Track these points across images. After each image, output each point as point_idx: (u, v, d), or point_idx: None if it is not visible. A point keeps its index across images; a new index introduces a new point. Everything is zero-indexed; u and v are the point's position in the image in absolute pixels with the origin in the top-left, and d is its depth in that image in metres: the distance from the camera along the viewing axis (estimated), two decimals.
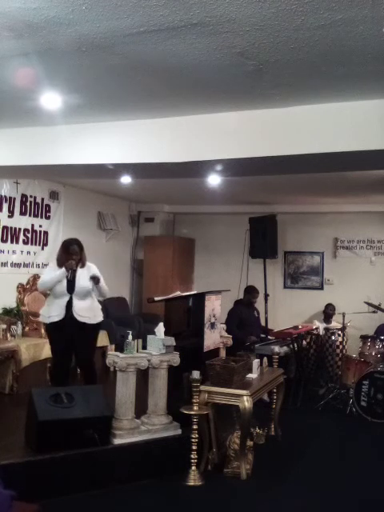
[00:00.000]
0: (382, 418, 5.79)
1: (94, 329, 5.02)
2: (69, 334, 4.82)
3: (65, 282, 4.82)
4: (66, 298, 4.82)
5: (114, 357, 4.28)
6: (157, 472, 4.13)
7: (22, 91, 3.67)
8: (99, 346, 7.00)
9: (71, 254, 4.89)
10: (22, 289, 6.93)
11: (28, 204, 7.12)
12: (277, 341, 6.86)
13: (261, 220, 8.66)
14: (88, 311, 4.89)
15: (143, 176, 5.79)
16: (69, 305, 4.81)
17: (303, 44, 2.81)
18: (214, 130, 4.12)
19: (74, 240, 5.02)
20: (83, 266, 4.94)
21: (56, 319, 4.81)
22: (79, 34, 2.78)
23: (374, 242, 8.90)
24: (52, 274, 4.88)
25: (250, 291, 7.62)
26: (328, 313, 8.13)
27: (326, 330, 7.06)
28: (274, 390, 5.22)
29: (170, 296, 5.58)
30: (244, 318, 7.23)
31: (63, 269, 4.83)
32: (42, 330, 6.08)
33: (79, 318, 4.81)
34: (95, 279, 4.89)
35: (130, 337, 4.31)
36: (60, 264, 4.89)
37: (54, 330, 4.89)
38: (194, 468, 4.12)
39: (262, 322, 8.10)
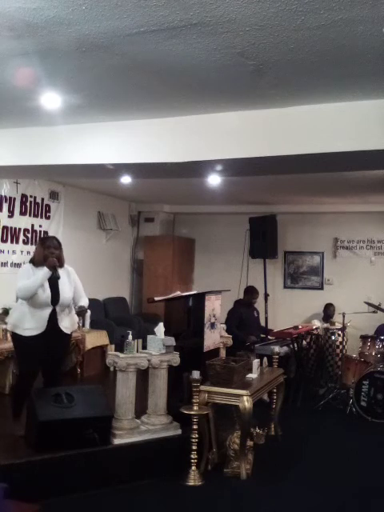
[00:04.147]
0: (382, 418, 5.79)
1: (70, 337, 4.56)
2: (45, 346, 4.22)
3: (48, 292, 4.20)
4: (49, 310, 4.22)
5: (114, 357, 4.28)
6: (157, 472, 4.13)
7: (22, 91, 3.67)
8: (99, 345, 7.04)
9: (50, 248, 4.28)
10: None
11: (28, 204, 7.12)
12: (277, 341, 6.86)
13: (261, 220, 8.66)
14: (70, 322, 4.41)
15: (143, 176, 5.79)
16: (52, 317, 4.23)
17: (303, 44, 2.81)
18: (214, 130, 4.12)
19: (53, 236, 4.58)
20: (62, 265, 4.37)
21: (35, 333, 4.18)
22: (79, 33, 2.77)
23: (374, 242, 8.90)
24: (29, 277, 4.22)
25: (251, 292, 7.62)
26: (328, 313, 8.14)
27: (326, 330, 7.06)
28: (274, 390, 5.22)
29: (170, 296, 5.58)
30: (244, 318, 7.23)
31: (45, 269, 4.17)
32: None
33: (64, 330, 4.32)
34: (82, 312, 4.45)
35: (130, 337, 4.31)
36: (39, 262, 4.28)
37: (29, 343, 4.20)
38: (194, 468, 4.12)
39: (262, 322, 8.11)
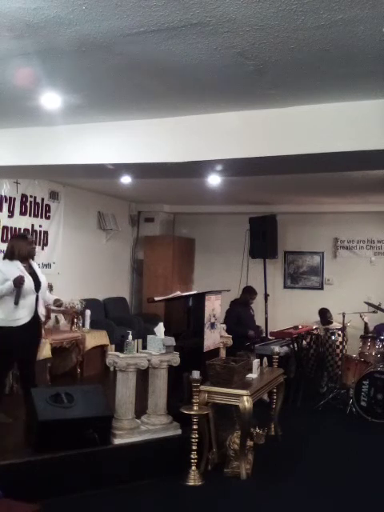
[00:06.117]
0: (382, 418, 5.79)
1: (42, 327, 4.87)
2: (30, 336, 4.53)
3: (31, 278, 4.52)
4: (34, 297, 4.52)
5: (114, 357, 4.28)
6: (157, 472, 4.13)
7: (22, 91, 3.67)
8: (99, 345, 7.03)
9: (32, 244, 4.72)
10: None
11: (28, 204, 7.12)
12: (277, 341, 6.87)
13: (261, 220, 8.67)
14: (43, 309, 4.72)
15: (143, 176, 5.79)
16: (36, 304, 4.54)
17: (303, 44, 2.81)
18: (214, 130, 4.12)
19: (25, 230, 4.94)
20: (33, 258, 4.76)
21: (25, 321, 4.44)
22: (79, 34, 2.77)
23: (374, 242, 8.91)
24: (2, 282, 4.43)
25: (249, 291, 7.65)
26: (326, 319, 8.10)
27: (326, 330, 7.06)
28: (274, 390, 5.22)
29: (170, 296, 5.59)
30: (242, 317, 7.27)
31: (11, 283, 4.35)
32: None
33: (41, 317, 4.67)
34: (61, 304, 4.84)
35: (130, 337, 4.31)
36: (23, 256, 4.57)
37: (17, 334, 4.42)
38: (194, 468, 4.12)
39: (262, 322, 8.13)
